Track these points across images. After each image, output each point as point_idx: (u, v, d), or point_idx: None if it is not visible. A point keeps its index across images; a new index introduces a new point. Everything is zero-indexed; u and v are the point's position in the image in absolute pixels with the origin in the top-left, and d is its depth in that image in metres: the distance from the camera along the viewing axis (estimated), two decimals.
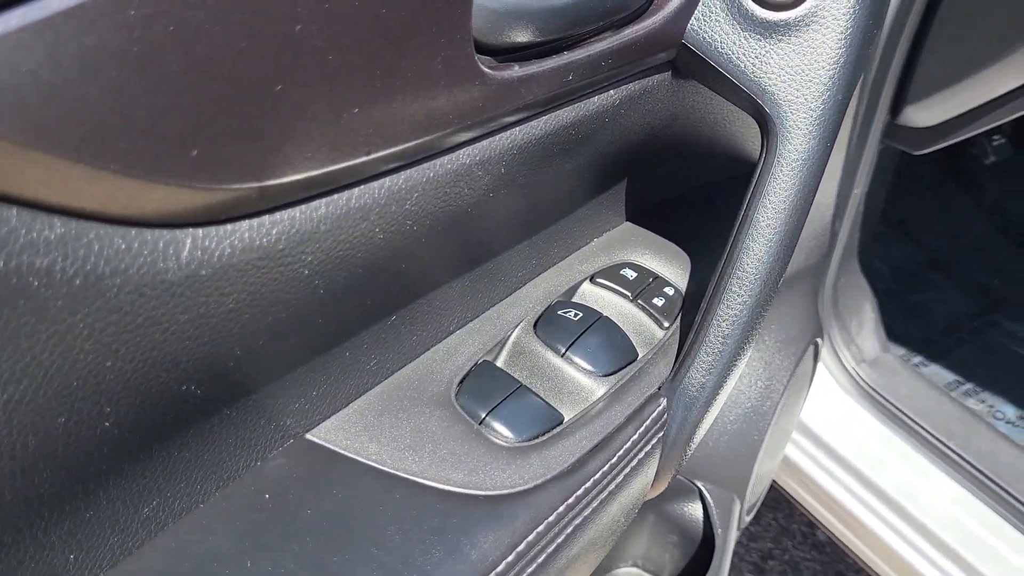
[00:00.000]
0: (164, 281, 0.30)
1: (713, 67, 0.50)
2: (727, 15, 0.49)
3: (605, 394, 0.52)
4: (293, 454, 0.43)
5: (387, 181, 0.38)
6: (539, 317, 0.55)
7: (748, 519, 0.97)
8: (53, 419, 0.28)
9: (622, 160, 0.58)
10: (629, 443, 0.49)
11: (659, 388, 0.52)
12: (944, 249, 1.71)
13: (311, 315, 0.38)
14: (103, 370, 0.29)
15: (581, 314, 0.56)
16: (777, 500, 1.80)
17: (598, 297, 0.58)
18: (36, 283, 0.25)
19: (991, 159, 1.55)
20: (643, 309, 0.57)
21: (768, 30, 0.48)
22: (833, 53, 0.48)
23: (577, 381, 0.52)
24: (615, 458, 0.48)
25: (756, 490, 0.94)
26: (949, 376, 1.42)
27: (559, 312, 0.56)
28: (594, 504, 0.46)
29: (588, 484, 0.46)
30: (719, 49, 0.49)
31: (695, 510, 0.82)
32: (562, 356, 0.52)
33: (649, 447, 0.51)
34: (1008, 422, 1.34)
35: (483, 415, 0.48)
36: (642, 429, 0.50)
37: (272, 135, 0.31)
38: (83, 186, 0.26)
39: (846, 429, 1.22)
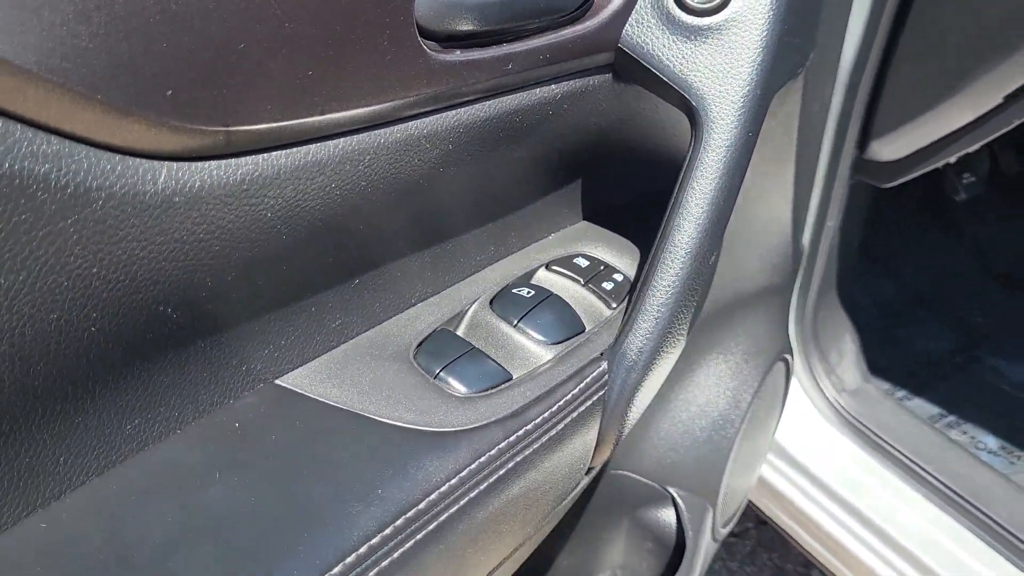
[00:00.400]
0: (142, 203, 0.35)
1: (646, 67, 0.56)
2: (657, 21, 0.55)
3: (553, 359, 0.57)
4: (262, 394, 0.48)
5: (341, 142, 0.43)
6: (495, 295, 0.60)
7: (725, 531, 0.99)
8: (47, 314, 0.33)
9: (574, 159, 0.63)
10: (570, 395, 0.53)
11: (601, 354, 0.57)
12: (927, 286, 1.75)
13: (276, 260, 0.43)
14: (90, 276, 0.34)
15: (534, 292, 0.61)
16: (772, 540, 1.81)
17: (552, 281, 0.63)
18: (35, 187, 0.31)
19: (962, 196, 1.61)
20: (593, 291, 0.62)
21: (693, 34, 0.55)
22: (751, 53, 0.54)
23: (527, 348, 0.57)
24: (555, 407, 0.52)
25: (730, 501, 0.97)
26: (932, 409, 1.45)
27: (514, 290, 0.61)
28: (535, 446, 0.51)
29: (529, 427, 0.50)
30: (651, 51, 0.55)
31: (668, 516, 0.86)
32: (514, 326, 0.57)
33: (590, 403, 0.55)
34: (990, 452, 1.37)
35: (437, 370, 0.53)
36: (583, 385, 0.54)
37: (236, 86, 0.36)
38: (75, 112, 0.31)
39: (828, 456, 1.24)
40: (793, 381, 1.30)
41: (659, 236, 0.56)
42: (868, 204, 1.31)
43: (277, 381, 0.49)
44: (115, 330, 0.37)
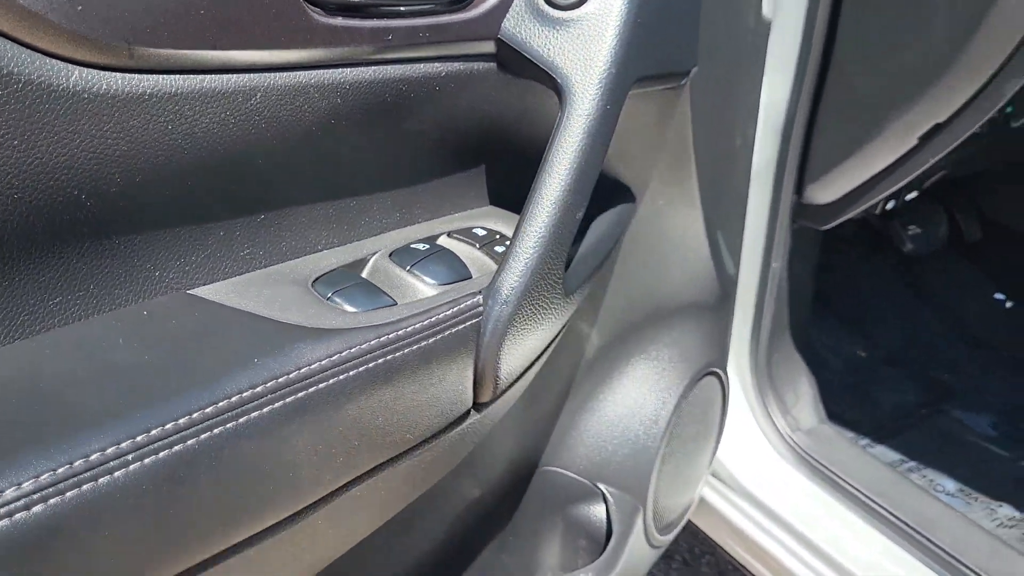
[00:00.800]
0: (56, 94, 0.44)
1: (520, 54, 0.66)
2: (530, 14, 0.66)
3: (437, 294, 0.64)
4: (173, 298, 0.56)
5: (234, 77, 0.52)
6: (395, 249, 0.68)
7: (664, 540, 1.03)
8: None
9: (477, 145, 0.72)
10: (443, 315, 0.60)
11: (480, 292, 0.64)
12: (898, 345, 1.81)
13: (180, 175, 0.52)
14: (12, 147, 0.43)
15: (429, 246, 0.69)
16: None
17: (451, 245, 0.71)
18: None
19: (908, 247, 1.68)
20: (486, 253, 0.70)
21: (559, 25, 0.65)
22: (606, 41, 0.64)
23: (416, 286, 0.65)
24: (428, 321, 0.59)
25: (666, 509, 1.01)
26: (893, 455, 1.49)
27: (412, 245, 0.69)
28: (405, 351, 0.57)
29: (400, 332, 0.57)
30: (524, 40, 0.66)
31: (599, 512, 0.91)
32: (407, 271, 0.65)
33: (463, 326, 0.62)
34: (948, 494, 1.39)
35: (330, 293, 0.60)
36: (457, 310, 0.61)
37: (137, 11, 0.46)
38: (3, 13, 0.41)
39: (782, 490, 1.28)
40: (748, 417, 1.35)
41: (530, 192, 0.65)
42: (841, 265, 1.39)
43: (188, 291, 0.58)
44: (35, 203, 0.45)
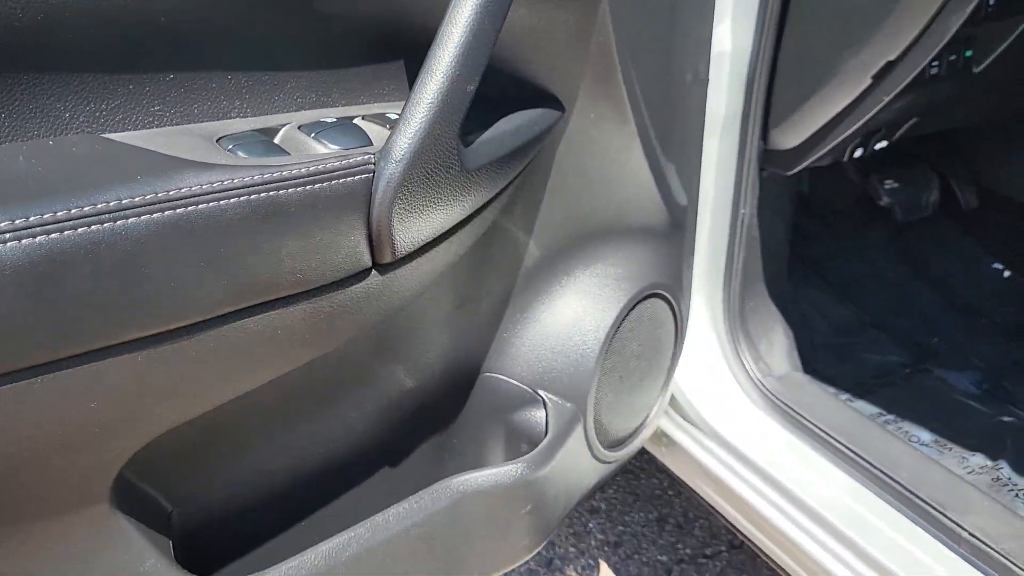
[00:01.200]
0: None
1: None
2: None
3: (333, 152, 0.69)
4: (81, 135, 0.62)
5: None
6: (306, 123, 0.73)
7: (611, 455, 1.06)
8: None
9: (389, 34, 0.76)
10: (331, 164, 0.64)
11: (374, 153, 0.69)
12: (882, 310, 1.82)
13: (84, 16, 0.58)
14: None
15: (338, 120, 0.74)
16: (744, 563, 1.83)
17: (363, 126, 0.75)
18: None
19: (884, 200, 1.70)
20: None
21: None
22: None
23: (317, 148, 0.70)
24: (315, 167, 0.63)
25: (611, 421, 1.05)
26: (872, 409, 1.50)
27: (322, 119, 0.74)
28: (288, 189, 0.61)
29: (285, 172, 0.62)
30: None
31: (539, 417, 0.95)
32: (311, 137, 0.70)
33: (353, 179, 0.66)
34: (922, 444, 1.41)
35: (231, 146, 0.66)
36: (347, 163, 0.65)
37: None
38: None
39: (752, 433, 1.31)
40: (720, 362, 1.39)
41: (423, 64, 0.69)
42: (836, 234, 1.41)
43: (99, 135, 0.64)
44: None
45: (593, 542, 1.90)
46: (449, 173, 0.71)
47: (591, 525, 1.95)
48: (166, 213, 0.56)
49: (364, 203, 0.67)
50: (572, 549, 1.88)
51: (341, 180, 0.65)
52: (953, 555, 1.06)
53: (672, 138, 1.05)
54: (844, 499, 1.21)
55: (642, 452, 1.51)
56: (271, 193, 0.61)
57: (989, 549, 1.03)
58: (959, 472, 1.32)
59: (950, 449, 1.39)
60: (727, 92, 1.24)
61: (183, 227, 0.56)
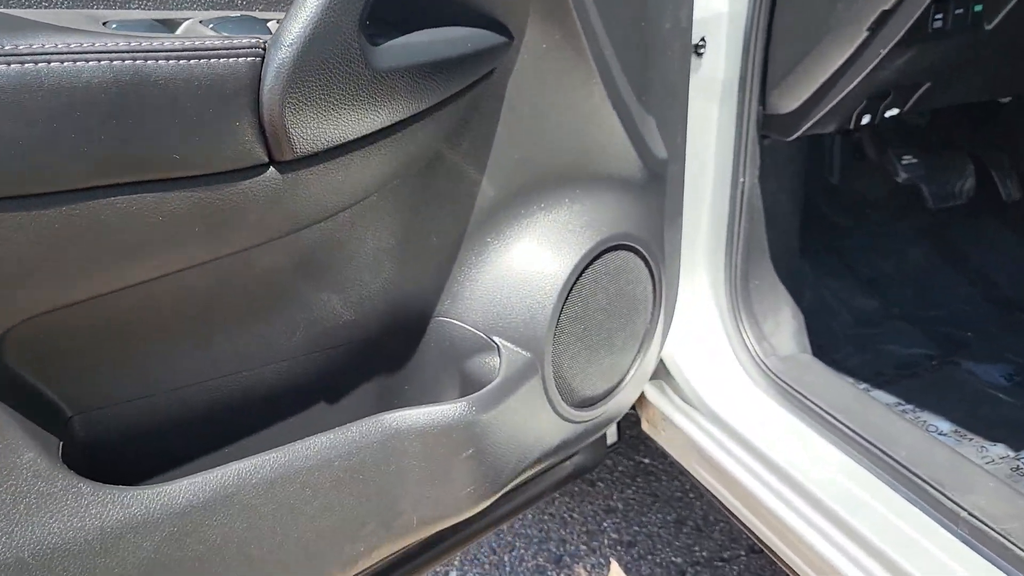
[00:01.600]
0: None
1: None
2: None
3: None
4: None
5: None
6: (210, 18, 0.71)
7: (578, 414, 1.01)
8: None
9: None
10: (213, 44, 0.62)
11: (265, 39, 0.66)
12: (916, 303, 1.73)
13: None
14: None
15: (242, 15, 0.71)
16: (763, 568, 1.74)
17: (270, 24, 0.73)
18: None
19: (902, 176, 1.61)
20: None
21: None
22: None
23: (213, 37, 0.67)
24: (192, 44, 0.60)
25: (576, 376, 0.99)
26: (890, 398, 1.42)
27: (227, 15, 0.71)
28: (159, 62, 0.59)
29: (156, 44, 0.59)
30: None
31: (494, 363, 0.91)
32: (209, 28, 0.68)
33: (237, 61, 0.62)
34: (941, 434, 1.32)
35: (115, 26, 0.63)
36: (233, 43, 0.62)
37: None
38: None
39: (752, 413, 1.25)
40: (721, 339, 1.32)
41: None
42: (869, 226, 1.33)
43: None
44: None
45: (606, 540, 1.84)
46: (350, 67, 0.68)
47: (605, 524, 1.88)
48: (12, 66, 0.54)
49: (251, 89, 0.64)
50: (583, 547, 1.82)
51: (222, 60, 0.62)
52: (950, 535, 0.98)
53: (649, 87, 1.01)
54: (845, 482, 1.14)
55: (664, 454, 1.45)
56: (137, 62, 0.59)
57: (988, 529, 0.95)
58: (978, 462, 1.23)
59: (969, 439, 1.30)
60: (724, 56, 1.20)
61: (31, 84, 0.55)
